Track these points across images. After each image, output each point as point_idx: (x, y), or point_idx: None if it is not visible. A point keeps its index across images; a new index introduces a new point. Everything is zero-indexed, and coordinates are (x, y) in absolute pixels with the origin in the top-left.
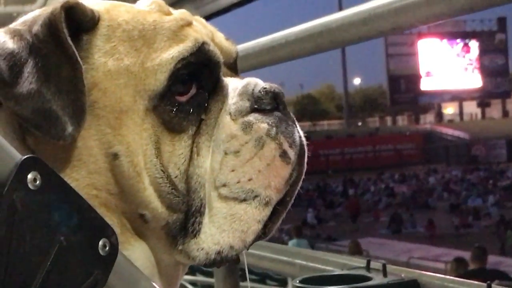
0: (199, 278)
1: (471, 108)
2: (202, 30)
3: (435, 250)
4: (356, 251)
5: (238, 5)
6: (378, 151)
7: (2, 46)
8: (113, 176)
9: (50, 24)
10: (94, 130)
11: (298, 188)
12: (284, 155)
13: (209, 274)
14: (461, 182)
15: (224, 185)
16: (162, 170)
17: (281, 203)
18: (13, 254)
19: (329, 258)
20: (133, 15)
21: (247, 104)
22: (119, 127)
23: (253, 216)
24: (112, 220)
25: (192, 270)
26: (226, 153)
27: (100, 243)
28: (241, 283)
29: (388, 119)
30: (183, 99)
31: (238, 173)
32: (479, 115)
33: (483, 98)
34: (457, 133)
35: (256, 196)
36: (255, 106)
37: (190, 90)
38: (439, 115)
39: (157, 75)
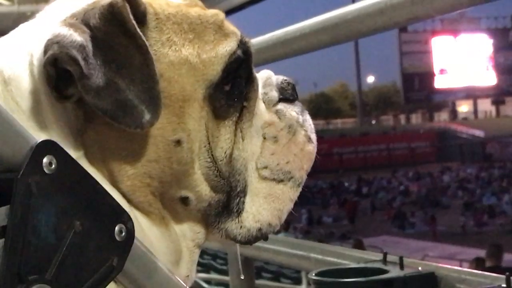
0: (214, 276)
1: (486, 105)
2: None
3: (449, 248)
4: (357, 248)
5: (251, 3)
6: (392, 149)
7: (70, 38)
8: (169, 164)
9: (114, 16)
10: (160, 119)
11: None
12: (309, 140)
13: (224, 272)
14: (476, 180)
15: (265, 167)
16: (212, 155)
17: None
18: (29, 238)
19: (344, 252)
20: (177, 9)
21: (276, 94)
22: (182, 115)
23: (288, 195)
24: (155, 207)
25: (206, 268)
26: (265, 138)
27: (116, 228)
28: (256, 281)
29: (402, 117)
30: (227, 87)
31: (277, 157)
32: (494, 113)
33: (498, 96)
34: (471, 131)
35: (291, 177)
36: (281, 96)
37: (234, 79)
38: (453, 113)
39: (214, 66)
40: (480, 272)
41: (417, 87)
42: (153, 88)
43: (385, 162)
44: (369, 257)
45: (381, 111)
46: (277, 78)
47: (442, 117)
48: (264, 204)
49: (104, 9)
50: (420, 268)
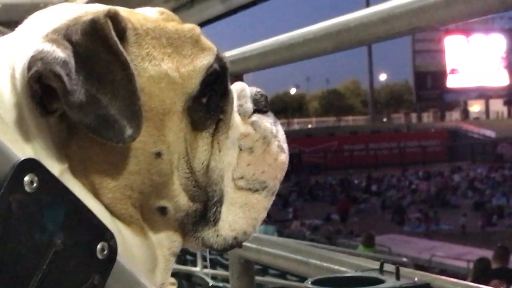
0: (219, 272)
1: (498, 106)
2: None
3: (458, 248)
4: (369, 243)
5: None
6: (403, 148)
7: (54, 55)
8: (149, 176)
9: (96, 32)
10: (141, 132)
11: None
12: (282, 150)
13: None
14: (486, 180)
15: (241, 178)
16: (190, 166)
17: None
18: (8, 256)
19: (343, 259)
20: (155, 24)
21: (251, 105)
22: (162, 128)
23: (263, 204)
24: (135, 218)
25: (213, 264)
26: (241, 149)
27: (99, 246)
28: (262, 278)
29: (414, 116)
30: (204, 100)
31: (253, 167)
32: (506, 113)
33: (510, 96)
34: (482, 131)
35: (266, 187)
36: (255, 107)
37: (210, 92)
38: (465, 113)
39: (193, 80)
40: (475, 285)
41: (429, 86)
42: (134, 104)
43: (395, 160)
44: (367, 265)
45: (393, 109)
46: (250, 90)
47: (454, 116)
48: (240, 213)
49: (86, 25)
50: (416, 279)
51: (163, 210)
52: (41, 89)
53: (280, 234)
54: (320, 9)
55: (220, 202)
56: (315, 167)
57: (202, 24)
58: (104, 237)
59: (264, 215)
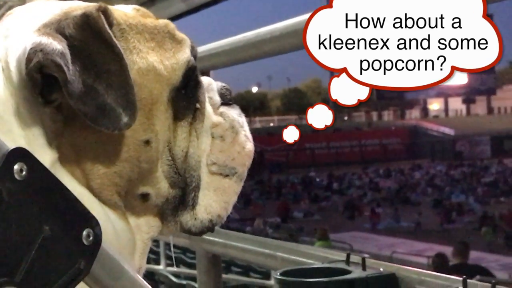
0: (183, 270)
1: (457, 104)
2: None
3: (418, 245)
4: (323, 237)
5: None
6: (364, 146)
7: (52, 46)
8: (137, 163)
9: (89, 25)
10: None
11: None
12: (248, 139)
13: (194, 267)
14: (446, 178)
15: (214, 163)
16: (172, 153)
17: None
18: None
19: (310, 251)
20: (136, 20)
21: (218, 98)
22: (151, 117)
23: (233, 189)
24: (119, 204)
25: (176, 262)
26: (213, 137)
27: (84, 233)
28: (225, 276)
29: (374, 114)
30: (184, 91)
31: (224, 154)
32: (464, 112)
33: (469, 95)
34: (442, 128)
35: (236, 173)
36: (222, 101)
37: (187, 84)
38: (425, 111)
39: (176, 72)
40: (439, 274)
41: None
42: (129, 93)
43: (357, 158)
44: (333, 257)
45: (354, 107)
46: (216, 84)
47: (414, 114)
48: (214, 197)
49: (79, 19)
50: (381, 269)
51: (145, 197)
52: (41, 79)
53: (243, 232)
54: (285, 6)
55: (198, 187)
56: (277, 166)
57: None
58: (90, 223)
59: (235, 199)
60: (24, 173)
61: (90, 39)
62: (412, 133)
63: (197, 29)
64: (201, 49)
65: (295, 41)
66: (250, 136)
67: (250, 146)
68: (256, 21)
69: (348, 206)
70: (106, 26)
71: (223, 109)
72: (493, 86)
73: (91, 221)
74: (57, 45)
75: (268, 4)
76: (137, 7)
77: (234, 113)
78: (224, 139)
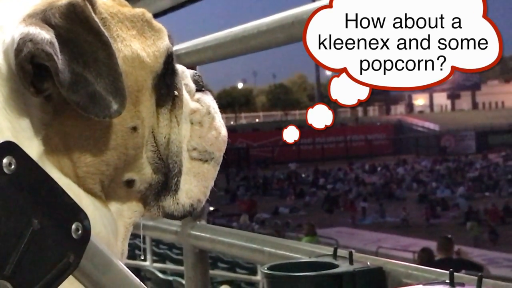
0: (169, 266)
1: (442, 99)
2: None
3: (404, 240)
4: (311, 233)
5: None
6: (349, 141)
7: (40, 36)
8: (124, 150)
9: (76, 15)
10: None
11: None
12: (223, 125)
13: (180, 262)
14: (430, 173)
15: (194, 149)
16: (156, 139)
17: None
18: None
19: (297, 246)
20: (114, 8)
21: (193, 85)
22: (138, 104)
23: (211, 174)
24: (101, 192)
25: (162, 258)
26: (192, 123)
27: (73, 226)
28: (212, 272)
29: (359, 110)
30: (164, 78)
31: (203, 139)
32: (449, 107)
33: (453, 90)
34: (427, 124)
35: (213, 158)
36: (198, 88)
37: (166, 71)
38: (410, 106)
39: (158, 59)
40: (426, 267)
41: None
42: (118, 80)
43: (342, 153)
44: (321, 251)
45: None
46: (189, 72)
47: (399, 110)
48: (194, 182)
49: (65, 9)
50: (368, 263)
51: (130, 183)
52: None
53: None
54: (271, 1)
55: (179, 172)
56: (263, 162)
57: None
58: (79, 217)
59: (212, 183)
60: (12, 166)
61: (77, 28)
62: (397, 128)
63: (183, 25)
64: (188, 44)
65: (282, 36)
66: (222, 121)
67: (224, 131)
68: (242, 16)
69: (334, 201)
70: (93, 14)
71: (199, 95)
72: (478, 82)
73: (80, 215)
74: (45, 34)
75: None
76: None
77: (209, 99)
78: (202, 124)
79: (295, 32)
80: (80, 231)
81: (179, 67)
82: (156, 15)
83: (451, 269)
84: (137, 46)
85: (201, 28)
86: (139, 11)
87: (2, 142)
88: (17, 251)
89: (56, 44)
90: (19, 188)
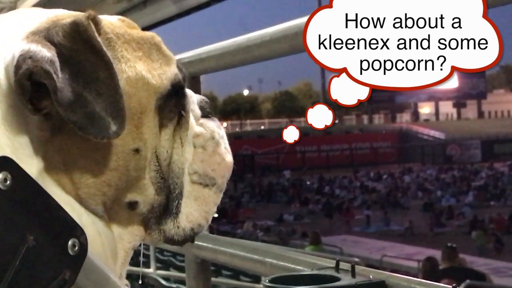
0: (173, 273)
1: (447, 108)
2: None
3: (408, 248)
4: (315, 241)
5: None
6: (354, 149)
7: (41, 54)
8: (126, 172)
9: (79, 34)
10: None
11: None
12: (228, 151)
13: (183, 270)
14: (436, 182)
15: (195, 173)
16: (159, 159)
17: None
18: None
19: (299, 257)
20: (121, 29)
21: (199, 111)
22: (140, 126)
23: (213, 199)
24: (103, 213)
25: (166, 266)
26: (195, 147)
27: (70, 242)
28: (216, 279)
29: (365, 118)
30: (171, 99)
31: (205, 164)
32: (455, 115)
33: (459, 99)
34: (432, 132)
35: (215, 183)
36: (204, 113)
37: (175, 92)
38: (415, 114)
39: (164, 82)
40: (429, 282)
41: None
42: (118, 101)
43: (347, 161)
44: (323, 264)
45: (344, 111)
46: (197, 97)
47: (404, 118)
48: (194, 206)
49: (68, 28)
50: (371, 276)
51: (132, 205)
52: (31, 87)
53: (233, 235)
54: (276, 11)
55: (181, 194)
56: (268, 169)
57: (154, 25)
58: (75, 233)
59: (214, 209)
60: (8, 182)
61: (80, 47)
62: (403, 136)
63: (188, 32)
64: (191, 53)
65: (286, 46)
66: (229, 148)
67: (229, 158)
68: (246, 25)
69: (338, 209)
70: (96, 34)
71: (203, 121)
72: (483, 90)
73: (76, 231)
74: (46, 52)
75: (259, 8)
76: (122, 17)
77: (214, 125)
78: (205, 149)
79: (298, 43)
80: (76, 247)
81: (188, 92)
82: (161, 22)
83: (454, 285)
84: (142, 67)
85: (204, 37)
86: (148, 34)
87: None
88: (12, 268)
89: (57, 62)
90: (14, 203)
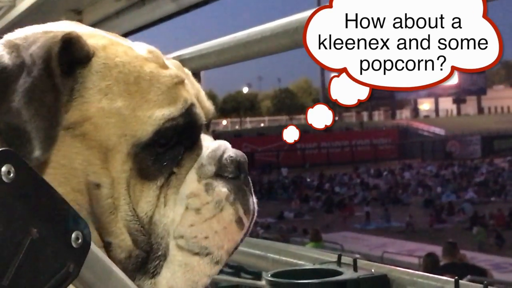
0: None
1: (447, 104)
2: (191, 89)
3: (409, 245)
4: (316, 238)
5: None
6: (355, 146)
7: (1, 59)
8: (90, 203)
9: (47, 50)
10: (82, 156)
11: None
12: (239, 221)
13: None
14: (436, 178)
15: (181, 237)
16: (133, 209)
17: None
18: None
19: (301, 252)
20: (130, 59)
21: (213, 168)
22: (105, 161)
23: (204, 270)
24: None
25: None
26: (187, 208)
27: (73, 235)
28: (216, 276)
29: (365, 114)
30: (161, 150)
31: (196, 229)
32: (455, 112)
33: (459, 95)
34: (432, 129)
35: (208, 254)
36: (219, 172)
37: (169, 143)
38: (415, 111)
39: (146, 126)
40: (431, 275)
41: None
42: (53, 128)
43: (347, 158)
44: (325, 258)
45: (344, 108)
46: (223, 152)
47: (404, 114)
48: (178, 273)
49: (44, 41)
50: (373, 270)
51: (108, 246)
52: None
53: None
54: (276, 7)
55: (164, 256)
56: (268, 166)
57: (153, 23)
58: (78, 226)
59: (205, 281)
60: (12, 175)
61: (42, 64)
62: (403, 133)
63: (187, 30)
64: (191, 49)
65: (286, 41)
66: (244, 217)
67: (236, 228)
68: (246, 21)
69: (339, 206)
70: (57, 56)
71: (216, 180)
72: (483, 86)
73: (80, 224)
74: (6, 59)
75: (259, 4)
76: (152, 49)
77: (227, 187)
78: (200, 212)
79: (298, 38)
80: (80, 240)
81: (215, 144)
82: (159, 20)
83: (456, 277)
84: (125, 103)
85: (204, 34)
86: (166, 73)
87: (1, 150)
88: (15, 261)
89: (16, 72)
90: (18, 196)
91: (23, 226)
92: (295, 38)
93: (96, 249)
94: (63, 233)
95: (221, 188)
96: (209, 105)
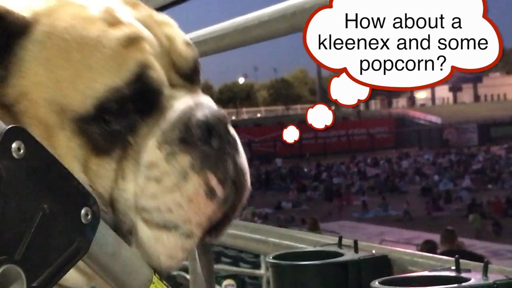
0: None
1: (443, 92)
2: (150, 48)
3: (407, 233)
4: (314, 227)
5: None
6: (352, 135)
7: None
8: None
9: None
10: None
11: (239, 210)
12: (210, 192)
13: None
14: (433, 166)
15: (144, 209)
16: (90, 187)
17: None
18: None
19: (302, 236)
20: (77, 22)
21: (177, 134)
22: (50, 138)
23: (176, 244)
24: None
25: None
26: (148, 179)
27: (82, 211)
28: (215, 266)
29: (361, 104)
30: (110, 121)
31: (158, 201)
32: (451, 100)
33: (455, 83)
34: (429, 117)
35: (176, 227)
36: (186, 138)
37: (121, 112)
38: (411, 100)
39: (85, 101)
40: (431, 255)
41: None
42: None
43: (344, 148)
44: (325, 241)
45: None
46: (192, 116)
47: (401, 103)
48: (150, 248)
49: None
50: (374, 251)
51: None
52: None
53: None
54: None
55: (131, 232)
56: (265, 156)
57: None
58: (88, 202)
59: (180, 254)
60: (22, 151)
61: None
62: (399, 122)
63: (184, 16)
64: (190, 36)
65: (284, 26)
66: (218, 186)
67: (202, 200)
68: (244, 6)
69: (336, 195)
70: None
71: (178, 147)
72: (479, 74)
73: (89, 200)
74: None
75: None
76: (112, 5)
77: (191, 155)
78: (161, 183)
79: (296, 22)
80: (89, 216)
81: (180, 102)
82: (159, 9)
83: (456, 256)
84: (63, 74)
85: (202, 19)
86: (120, 33)
87: (11, 127)
88: (27, 236)
89: None
90: (28, 172)
91: (34, 202)
92: (293, 22)
93: (105, 226)
94: (73, 209)
95: (183, 156)
96: (187, 52)
